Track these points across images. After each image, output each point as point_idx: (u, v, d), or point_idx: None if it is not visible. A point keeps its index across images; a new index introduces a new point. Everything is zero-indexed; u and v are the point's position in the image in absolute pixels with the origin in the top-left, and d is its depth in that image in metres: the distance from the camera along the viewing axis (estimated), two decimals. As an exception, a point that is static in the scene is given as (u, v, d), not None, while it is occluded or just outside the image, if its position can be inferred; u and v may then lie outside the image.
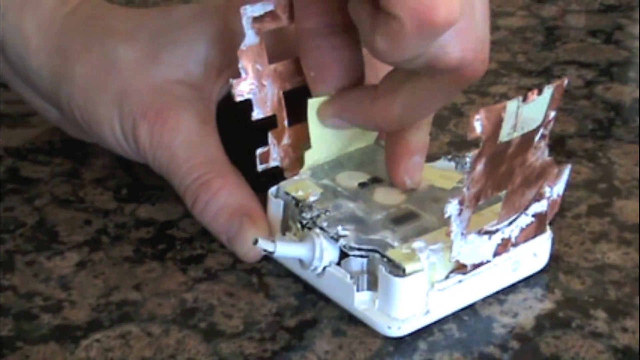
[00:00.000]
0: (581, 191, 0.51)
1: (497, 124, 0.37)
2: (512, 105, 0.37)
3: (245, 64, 0.44)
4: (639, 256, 0.46)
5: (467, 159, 0.37)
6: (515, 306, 0.43)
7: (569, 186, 0.43)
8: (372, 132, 0.47)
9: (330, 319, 0.42)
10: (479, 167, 0.38)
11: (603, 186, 0.51)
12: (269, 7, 0.43)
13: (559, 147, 0.54)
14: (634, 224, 0.48)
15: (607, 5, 0.74)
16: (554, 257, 0.45)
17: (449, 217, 0.39)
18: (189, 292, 0.43)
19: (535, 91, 0.38)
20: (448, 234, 0.39)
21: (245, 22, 0.43)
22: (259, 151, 0.45)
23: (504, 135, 0.38)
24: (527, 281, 0.44)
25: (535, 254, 0.44)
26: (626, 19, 0.72)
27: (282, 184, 0.44)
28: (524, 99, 0.37)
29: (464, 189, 0.38)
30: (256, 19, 0.43)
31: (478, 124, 0.37)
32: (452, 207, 0.39)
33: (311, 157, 0.46)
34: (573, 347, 0.41)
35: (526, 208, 0.42)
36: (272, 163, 0.45)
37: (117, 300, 0.43)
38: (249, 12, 0.43)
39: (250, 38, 0.43)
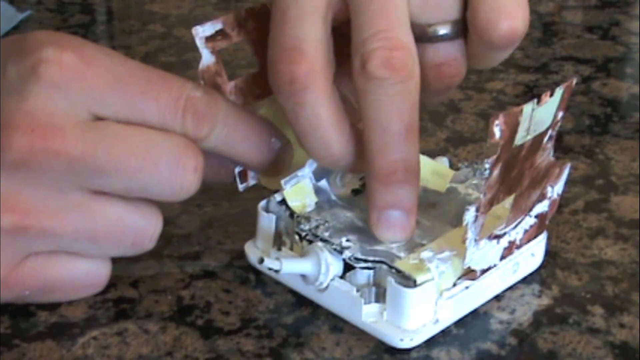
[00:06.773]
0: (578, 187, 0.51)
1: (514, 128, 0.37)
2: (527, 108, 0.37)
3: (207, 83, 0.43)
4: (636, 252, 0.46)
5: (487, 165, 0.37)
6: (513, 302, 0.43)
7: (567, 182, 0.43)
8: None
9: (328, 316, 0.42)
10: (496, 172, 0.38)
11: (600, 182, 0.51)
12: (218, 26, 0.43)
13: (556, 143, 0.54)
14: (631, 219, 0.48)
15: (604, 1, 0.74)
16: (551, 254, 0.45)
17: (466, 225, 0.38)
18: (186, 289, 0.43)
19: (548, 93, 0.38)
20: (464, 241, 0.39)
21: (199, 42, 0.43)
22: (237, 170, 0.44)
23: (519, 139, 0.37)
24: (524, 277, 0.44)
25: (533, 254, 0.44)
26: (623, 15, 0.72)
27: (283, 180, 0.43)
28: (538, 101, 0.37)
29: (481, 196, 0.38)
30: (209, 38, 0.43)
31: (497, 129, 0.36)
32: (469, 215, 0.38)
33: None
34: (570, 343, 0.41)
35: (530, 209, 0.42)
36: (251, 182, 0.45)
37: (114, 298, 0.43)
38: (201, 32, 0.43)
39: (207, 57, 0.43)
